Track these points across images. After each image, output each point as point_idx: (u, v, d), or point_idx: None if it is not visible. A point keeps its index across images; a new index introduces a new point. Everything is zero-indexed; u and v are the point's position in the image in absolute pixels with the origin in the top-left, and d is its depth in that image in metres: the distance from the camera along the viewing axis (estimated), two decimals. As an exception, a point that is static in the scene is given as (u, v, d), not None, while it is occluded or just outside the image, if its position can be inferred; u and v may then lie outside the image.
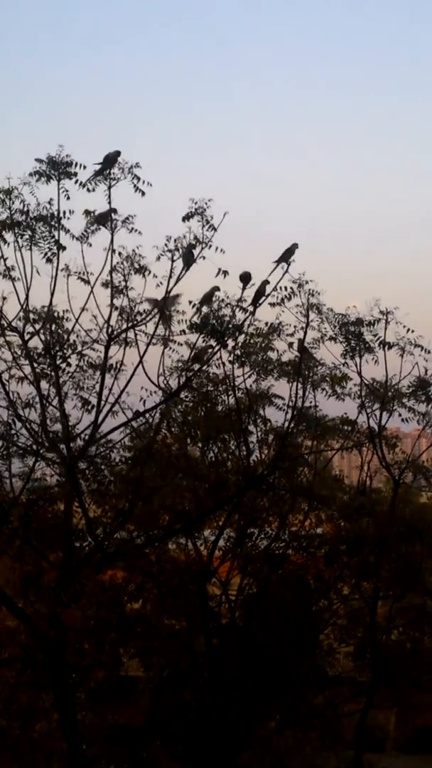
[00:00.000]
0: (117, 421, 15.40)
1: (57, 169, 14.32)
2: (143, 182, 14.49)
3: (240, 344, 15.96)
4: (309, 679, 17.44)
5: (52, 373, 15.04)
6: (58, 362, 15.03)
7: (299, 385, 16.04)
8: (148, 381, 15.27)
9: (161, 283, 14.85)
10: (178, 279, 14.88)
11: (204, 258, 14.79)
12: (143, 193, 14.52)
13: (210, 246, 14.71)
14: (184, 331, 15.33)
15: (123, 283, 14.89)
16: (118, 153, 14.54)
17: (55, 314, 14.93)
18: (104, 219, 14.73)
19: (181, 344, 15.56)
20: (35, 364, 15.01)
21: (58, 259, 14.67)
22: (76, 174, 14.43)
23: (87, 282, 14.79)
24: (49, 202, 14.50)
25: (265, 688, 17.07)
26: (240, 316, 15.26)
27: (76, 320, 14.86)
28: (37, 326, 14.96)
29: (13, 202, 14.44)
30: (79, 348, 15.17)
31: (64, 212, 14.59)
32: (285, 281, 15.31)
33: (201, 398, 16.62)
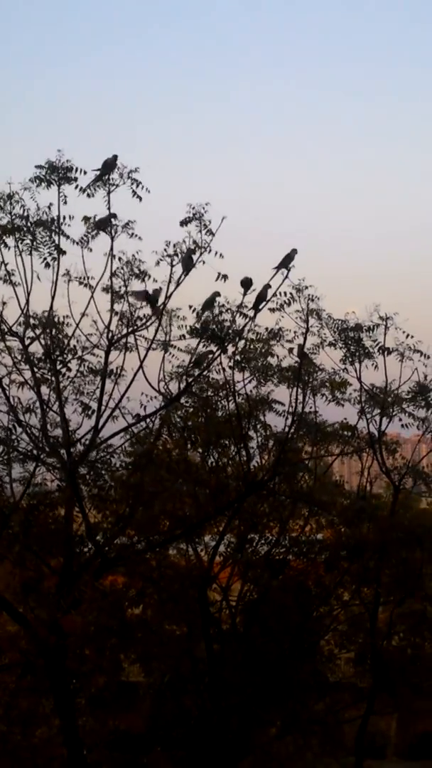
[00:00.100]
0: (117, 426, 15.48)
1: (57, 174, 14.42)
2: (142, 187, 14.61)
3: (240, 350, 16.00)
4: (310, 685, 17.41)
5: (53, 378, 15.08)
6: (58, 367, 15.08)
7: (299, 391, 16.07)
8: (148, 386, 15.37)
9: (161, 288, 14.95)
10: (178, 284, 14.98)
11: (203, 263, 14.90)
12: (140, 199, 14.62)
13: (209, 251, 14.81)
14: (184, 336, 15.42)
15: (123, 288, 14.98)
16: (115, 157, 14.65)
17: (56, 319, 14.99)
18: (104, 224, 14.82)
19: (181, 349, 15.65)
20: (35, 369, 15.05)
21: (58, 264, 14.76)
22: (76, 179, 14.53)
23: (88, 286, 14.88)
24: (49, 207, 14.60)
25: (266, 693, 17.05)
26: (240, 321, 15.36)
27: (77, 325, 14.93)
28: (38, 331, 15.00)
29: (13, 207, 14.53)
30: (80, 353, 15.23)
31: (64, 217, 14.69)
32: (285, 287, 15.38)
33: (201, 403, 16.66)
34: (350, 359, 16.70)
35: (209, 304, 15.09)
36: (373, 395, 17.15)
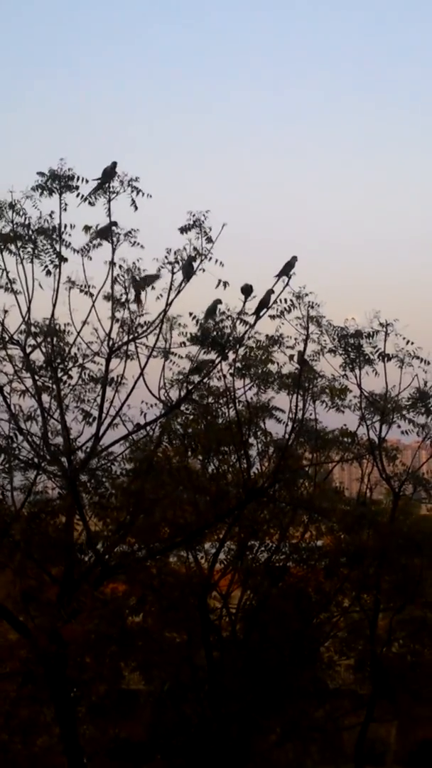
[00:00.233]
0: (118, 434, 15.48)
1: (59, 182, 14.43)
2: (142, 194, 14.64)
3: (240, 357, 15.99)
4: (310, 691, 17.43)
5: (54, 386, 15.09)
6: (59, 375, 15.08)
7: (299, 398, 16.08)
8: (148, 394, 15.35)
9: (161, 295, 14.96)
10: (179, 291, 14.99)
11: (203, 270, 14.91)
12: (136, 208, 14.69)
13: (210, 258, 14.82)
14: (184, 343, 15.42)
15: (124, 296, 14.98)
16: (114, 165, 14.72)
17: (57, 327, 14.99)
18: (105, 233, 14.83)
19: (182, 357, 15.65)
20: (37, 377, 15.05)
21: (59, 272, 14.77)
22: (77, 187, 14.55)
23: (89, 294, 14.87)
24: (50, 215, 14.61)
25: (266, 701, 17.05)
26: (241, 328, 15.38)
27: (78, 333, 14.97)
28: (39, 339, 15.00)
29: (16, 214, 14.53)
30: (81, 361, 15.25)
31: (66, 225, 14.70)
32: (285, 294, 15.41)
33: (201, 411, 16.65)
34: (350, 366, 16.72)
35: (211, 312, 15.10)
36: (373, 402, 17.14)
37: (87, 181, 14.58)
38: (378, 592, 18.04)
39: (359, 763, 18.56)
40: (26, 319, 14.84)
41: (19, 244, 14.61)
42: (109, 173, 14.67)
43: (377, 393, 17.16)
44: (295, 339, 15.83)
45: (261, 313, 15.32)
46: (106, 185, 14.69)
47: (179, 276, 14.93)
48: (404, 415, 17.14)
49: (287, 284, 15.38)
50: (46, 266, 14.79)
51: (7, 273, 14.83)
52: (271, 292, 15.31)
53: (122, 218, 14.90)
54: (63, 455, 15.09)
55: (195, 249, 14.82)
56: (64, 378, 15.21)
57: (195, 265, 14.91)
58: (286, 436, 16.28)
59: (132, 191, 14.68)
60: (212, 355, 15.50)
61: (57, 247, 14.71)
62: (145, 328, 15.14)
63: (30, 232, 14.60)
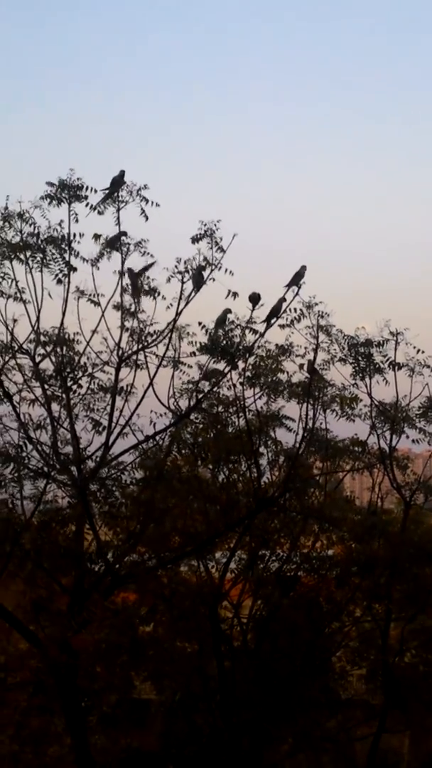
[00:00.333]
0: (127, 443, 15.50)
1: (68, 192, 14.49)
2: (150, 203, 14.69)
3: (250, 366, 16.00)
4: (321, 702, 17.33)
5: (63, 395, 15.12)
6: (69, 384, 15.12)
7: (309, 407, 16.07)
8: (158, 403, 15.38)
9: (171, 304, 15.00)
10: (188, 301, 15.02)
11: (213, 280, 14.94)
12: (147, 218, 14.72)
13: (220, 268, 14.85)
14: (194, 353, 15.43)
15: (133, 306, 15.02)
16: (122, 173, 14.76)
17: (66, 336, 15.04)
18: (115, 242, 14.89)
19: (190, 366, 15.67)
20: (46, 386, 15.09)
21: (69, 281, 14.83)
22: (86, 197, 14.61)
23: (97, 304, 14.92)
24: (60, 224, 14.68)
25: (278, 711, 16.96)
26: (250, 337, 15.40)
27: (87, 342, 15.02)
28: (48, 348, 15.05)
29: (25, 224, 14.60)
30: (90, 370, 15.28)
31: (74, 234, 14.75)
32: (295, 303, 15.44)
33: (211, 420, 16.65)
34: (360, 375, 16.68)
35: (221, 322, 15.13)
36: (384, 411, 17.10)
37: (95, 191, 14.65)
38: (389, 602, 17.94)
39: (372, 774, 18.46)
40: (35, 328, 14.92)
41: (29, 253, 14.67)
42: (118, 182, 14.73)
43: (388, 402, 17.13)
44: (305, 348, 15.86)
45: (272, 321, 15.35)
46: (115, 194, 14.75)
47: (189, 286, 14.98)
48: (415, 424, 17.10)
49: (296, 293, 15.42)
50: (57, 275, 14.87)
51: (17, 282, 14.91)
52: (282, 300, 15.35)
53: (130, 225, 15.00)
54: (73, 464, 15.13)
55: (205, 258, 14.86)
56: (74, 387, 15.25)
57: (205, 274, 14.95)
58: (297, 445, 16.27)
59: (141, 200, 14.75)
60: (222, 365, 15.52)
61: (66, 256, 14.78)
62: (154, 337, 15.19)
63: (39, 242, 14.67)
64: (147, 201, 14.70)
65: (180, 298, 14.96)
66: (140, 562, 16.26)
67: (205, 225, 14.76)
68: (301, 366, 16.02)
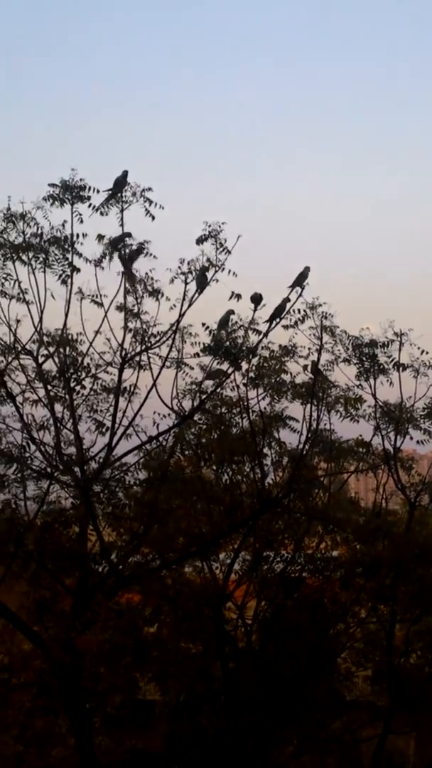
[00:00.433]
0: (131, 444, 15.51)
1: (70, 192, 14.52)
2: (154, 204, 14.69)
3: (254, 366, 15.99)
4: (326, 703, 17.28)
5: (66, 396, 15.14)
6: (72, 385, 15.13)
7: (313, 407, 16.05)
8: (161, 404, 15.38)
9: (174, 305, 15.00)
10: (192, 302, 15.02)
11: (217, 281, 14.96)
12: (153, 218, 14.74)
13: (223, 269, 14.86)
14: (197, 354, 15.44)
15: (137, 307, 15.03)
16: (125, 174, 14.78)
17: (69, 337, 15.05)
18: (118, 243, 14.90)
19: (193, 368, 15.67)
20: (49, 387, 15.11)
21: (71, 281, 14.84)
22: (89, 198, 14.63)
23: (101, 305, 14.93)
24: (63, 225, 14.70)
25: (282, 712, 16.92)
26: (254, 338, 15.40)
27: (90, 343, 15.05)
28: (51, 349, 15.07)
29: (28, 225, 14.62)
30: (93, 371, 15.30)
31: (77, 235, 14.77)
32: (298, 304, 15.46)
33: (215, 421, 16.64)
34: (365, 375, 16.63)
35: (224, 323, 15.14)
36: (388, 411, 17.07)
37: (99, 191, 14.67)
38: (394, 603, 17.89)
39: (377, 776, 18.41)
40: (38, 328, 14.94)
41: (31, 254, 14.69)
42: (121, 182, 14.75)
43: (392, 403, 17.09)
44: (309, 349, 15.84)
45: (275, 321, 15.36)
46: (118, 195, 14.77)
47: (192, 287, 15.00)
48: (419, 425, 17.07)
49: (300, 295, 15.43)
50: (61, 275, 14.90)
51: (20, 283, 14.94)
52: (287, 300, 15.35)
53: (137, 228, 15.04)
54: (76, 465, 15.12)
55: (208, 260, 14.86)
56: (77, 388, 15.27)
57: (208, 275, 14.96)
58: (301, 445, 16.25)
59: (145, 201, 14.77)
60: (225, 365, 15.52)
61: (69, 257, 14.80)
62: (157, 338, 15.20)
63: (42, 242, 14.69)
64: (151, 202, 14.74)
65: (183, 299, 14.97)
66: (144, 562, 16.26)
67: (209, 226, 14.79)
68: (305, 367, 16.02)
